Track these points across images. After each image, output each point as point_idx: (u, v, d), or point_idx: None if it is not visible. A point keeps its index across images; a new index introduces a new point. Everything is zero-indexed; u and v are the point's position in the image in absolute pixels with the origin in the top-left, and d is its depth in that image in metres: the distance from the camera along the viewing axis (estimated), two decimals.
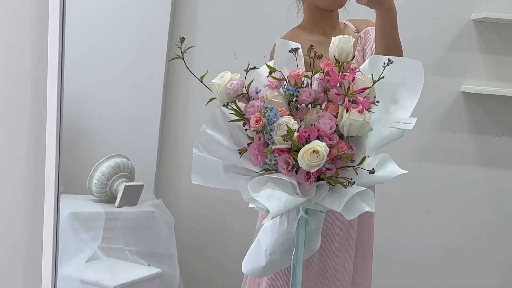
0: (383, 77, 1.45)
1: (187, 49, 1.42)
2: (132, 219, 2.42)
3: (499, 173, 2.63)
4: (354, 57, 1.49)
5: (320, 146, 1.36)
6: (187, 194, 2.56)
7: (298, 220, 1.53)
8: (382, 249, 2.20)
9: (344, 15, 1.92)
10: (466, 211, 2.64)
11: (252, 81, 1.46)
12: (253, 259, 1.67)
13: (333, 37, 1.49)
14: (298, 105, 1.47)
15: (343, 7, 1.88)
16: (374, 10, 1.75)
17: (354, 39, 1.49)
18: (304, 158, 1.36)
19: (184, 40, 1.42)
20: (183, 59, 1.43)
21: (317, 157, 1.36)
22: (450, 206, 2.64)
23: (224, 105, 1.47)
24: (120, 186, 2.35)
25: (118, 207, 2.36)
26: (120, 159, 2.37)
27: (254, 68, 1.45)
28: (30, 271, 1.95)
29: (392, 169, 1.50)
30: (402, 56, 1.78)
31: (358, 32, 1.91)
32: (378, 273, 2.09)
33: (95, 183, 2.34)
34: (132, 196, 2.39)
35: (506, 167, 2.63)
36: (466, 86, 2.55)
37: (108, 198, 2.37)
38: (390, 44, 1.75)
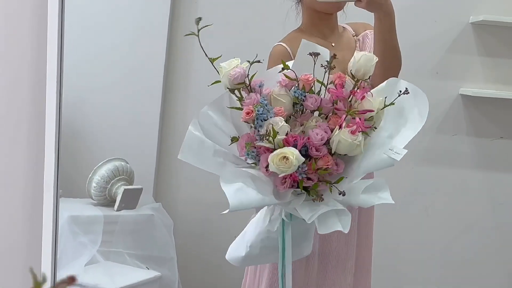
0: (393, 103, 1.41)
1: (204, 27, 1.43)
2: (131, 223, 2.42)
3: (498, 175, 2.64)
4: (370, 77, 1.46)
5: (291, 153, 1.34)
6: (186, 197, 2.56)
7: (282, 223, 1.53)
8: (381, 251, 2.20)
9: (343, 18, 1.92)
10: (464, 214, 2.64)
11: (256, 73, 1.45)
12: (236, 248, 1.68)
13: (356, 52, 1.47)
14: (303, 110, 1.46)
15: (342, 10, 1.88)
16: (373, 14, 1.75)
17: (376, 59, 1.45)
18: (274, 161, 1.35)
19: (201, 20, 1.42)
20: (198, 36, 1.43)
21: (286, 163, 1.34)
22: (448, 209, 2.64)
23: (230, 91, 1.47)
24: (119, 190, 2.35)
25: (117, 210, 2.36)
26: (119, 162, 2.37)
27: (259, 61, 1.44)
28: (29, 274, 1.95)
29: (381, 196, 1.45)
30: (400, 59, 1.78)
31: (356, 35, 1.92)
32: (377, 276, 2.09)
33: (94, 187, 2.34)
34: (131, 199, 2.39)
35: (505, 170, 2.64)
36: (464, 89, 2.56)
37: (107, 201, 2.37)
38: (388, 47, 1.75)
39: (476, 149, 2.62)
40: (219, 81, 1.48)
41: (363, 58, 1.44)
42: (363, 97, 1.41)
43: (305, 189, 1.41)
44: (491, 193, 2.64)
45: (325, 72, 1.43)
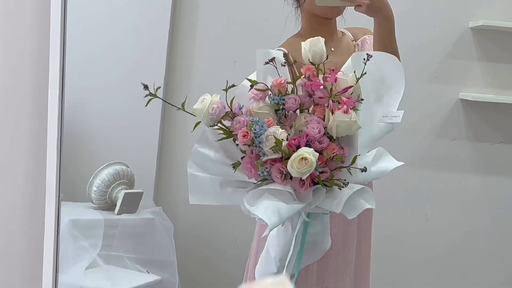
0: (365, 73, 1.45)
1: (156, 90, 1.46)
2: (131, 227, 2.43)
3: (497, 180, 2.64)
4: (327, 56, 1.48)
5: (308, 152, 1.36)
6: (186, 201, 2.55)
7: (304, 224, 1.54)
8: (380, 255, 2.20)
9: (342, 23, 1.93)
10: (464, 218, 2.65)
11: (233, 98, 1.46)
12: (265, 266, 1.67)
13: (302, 43, 1.50)
14: (286, 113, 1.47)
15: (341, 15, 1.89)
16: (372, 18, 1.76)
17: (323, 39, 1.49)
18: (293, 166, 1.36)
19: (147, 87, 1.47)
20: (157, 97, 1.47)
21: (306, 163, 1.35)
22: (448, 213, 2.64)
23: (212, 127, 1.47)
24: (120, 194, 2.36)
25: (117, 214, 2.36)
26: (120, 166, 2.37)
27: (233, 86, 1.45)
28: (31, 278, 1.95)
29: (387, 163, 1.50)
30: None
31: (355, 40, 1.92)
32: (376, 280, 2.09)
33: (95, 191, 2.34)
34: (131, 203, 2.39)
35: (504, 174, 2.64)
36: (464, 93, 2.56)
37: (108, 205, 2.37)
38: (387, 51, 1.75)
39: (475, 154, 2.62)
40: (199, 122, 1.48)
41: (312, 43, 1.48)
42: (336, 78, 1.44)
43: (324, 183, 1.43)
44: (490, 198, 2.65)
45: (290, 71, 1.48)
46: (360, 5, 1.70)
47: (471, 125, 2.60)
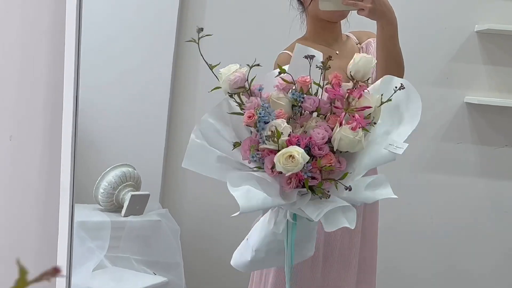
0: (391, 100, 1.45)
1: (204, 36, 1.46)
2: (138, 228, 2.43)
3: (502, 183, 2.64)
4: (369, 78, 1.49)
5: (297, 151, 1.36)
6: (193, 203, 2.57)
7: (287, 224, 1.55)
8: (385, 258, 2.21)
9: (346, 27, 1.94)
10: (469, 222, 2.64)
11: (254, 77, 1.47)
12: (241, 253, 1.69)
13: (356, 54, 1.49)
14: (302, 111, 1.48)
15: (346, 19, 1.90)
16: (375, 22, 1.77)
17: (376, 61, 1.49)
18: (280, 161, 1.36)
19: (202, 30, 1.46)
20: (198, 44, 1.47)
21: (292, 161, 1.35)
22: (453, 217, 2.64)
23: (230, 96, 1.49)
24: (126, 196, 2.36)
25: (124, 216, 2.37)
26: (126, 168, 2.38)
27: (258, 65, 1.45)
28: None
29: (383, 192, 1.47)
30: (403, 66, 1.79)
31: (360, 43, 1.93)
32: (382, 281, 2.10)
33: (102, 193, 2.35)
34: (138, 205, 2.40)
35: (509, 178, 2.64)
36: (469, 97, 2.56)
37: (114, 207, 2.38)
38: (390, 55, 1.76)
39: (481, 157, 2.62)
40: (219, 87, 1.50)
41: (363, 60, 1.47)
42: (361, 95, 1.44)
43: (310, 188, 1.43)
44: (495, 201, 2.64)
45: (321, 73, 1.46)
46: (363, 9, 1.72)
47: (476, 129, 2.60)
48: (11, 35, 1.91)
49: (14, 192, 1.97)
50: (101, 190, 2.35)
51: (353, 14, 1.83)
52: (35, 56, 1.91)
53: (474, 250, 2.66)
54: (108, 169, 2.36)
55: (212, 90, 1.50)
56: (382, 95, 1.45)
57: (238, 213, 1.41)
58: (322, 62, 1.46)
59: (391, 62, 1.76)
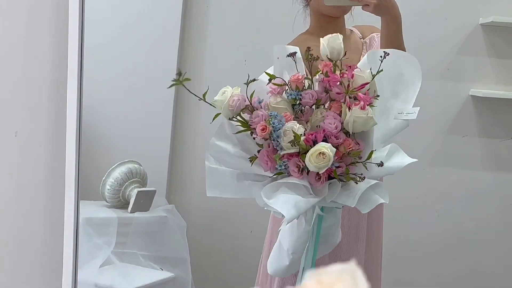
0: (381, 71, 1.47)
1: (184, 80, 1.43)
2: (145, 224, 2.44)
3: (508, 176, 2.63)
4: (345, 53, 1.50)
5: (325, 147, 1.38)
6: (199, 199, 2.58)
7: (316, 218, 1.56)
8: (391, 252, 2.21)
9: (350, 21, 1.94)
10: (475, 215, 2.64)
11: (253, 92, 1.47)
12: (277, 259, 1.68)
13: (321, 39, 1.51)
14: (303, 108, 1.49)
15: (350, 13, 1.90)
16: (380, 17, 1.77)
17: (342, 36, 1.50)
18: (311, 161, 1.38)
19: (181, 73, 1.43)
20: (184, 86, 1.44)
21: (324, 158, 1.37)
22: (459, 210, 2.64)
23: (230, 118, 1.49)
24: (133, 192, 2.37)
25: (131, 212, 2.38)
26: (133, 165, 2.39)
27: (254, 80, 1.46)
28: (50, 275, 1.98)
29: (401, 159, 1.51)
30: None
31: (363, 38, 1.94)
32: (387, 276, 2.10)
33: (108, 189, 2.35)
34: (144, 201, 2.41)
35: None
36: (474, 90, 2.56)
37: (121, 203, 2.39)
38: None
39: (486, 150, 2.62)
40: (219, 114, 1.49)
41: (330, 40, 1.49)
42: (353, 75, 1.46)
43: (339, 178, 1.45)
44: (501, 194, 2.64)
45: (310, 66, 1.48)
46: (368, 5, 1.72)
47: (481, 122, 2.59)
48: (15, 32, 1.91)
49: (20, 188, 1.97)
50: (108, 187, 2.36)
51: (357, 8, 1.83)
52: (40, 52, 1.91)
53: (480, 243, 2.66)
54: (114, 165, 2.36)
55: (213, 120, 1.50)
56: (371, 68, 1.48)
57: (287, 223, 1.45)
58: (310, 55, 1.48)
59: None
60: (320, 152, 1.38)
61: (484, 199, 2.64)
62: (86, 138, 2.22)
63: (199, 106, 2.53)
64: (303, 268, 1.63)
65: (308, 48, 1.48)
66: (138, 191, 2.38)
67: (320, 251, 1.64)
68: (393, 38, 1.77)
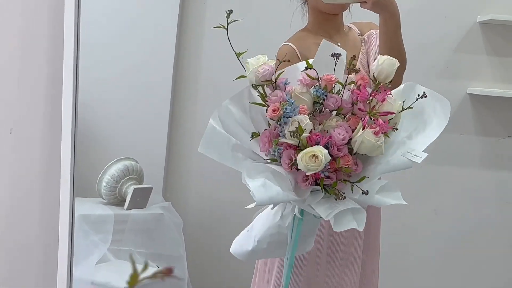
0: (412, 107, 1.44)
1: (233, 21, 1.46)
2: (141, 222, 2.44)
3: (506, 174, 2.64)
4: (392, 80, 1.47)
5: (321, 152, 1.36)
6: (195, 196, 2.58)
7: (293, 218, 1.55)
8: (389, 250, 2.21)
9: (348, 18, 1.93)
10: (472, 213, 2.64)
11: (283, 71, 1.47)
12: (242, 242, 1.68)
13: (379, 55, 1.49)
14: (323, 109, 1.47)
15: (348, 10, 1.90)
16: (378, 14, 1.76)
17: (399, 64, 1.48)
18: (303, 159, 1.37)
19: (231, 12, 1.45)
20: (227, 29, 1.48)
21: (315, 161, 1.36)
22: (457, 208, 2.64)
23: (253, 87, 1.48)
24: (129, 189, 2.37)
25: (127, 209, 2.38)
26: (129, 162, 2.38)
27: (288, 61, 1.46)
28: (46, 272, 1.98)
29: (394, 197, 1.47)
30: (405, 59, 1.79)
31: (362, 35, 1.93)
32: (385, 274, 2.10)
33: (104, 186, 2.35)
34: (141, 198, 2.41)
35: None
36: (472, 88, 2.56)
37: (117, 200, 2.39)
38: (393, 48, 1.76)
39: (484, 148, 2.62)
40: (244, 76, 1.49)
41: (386, 62, 1.46)
42: (384, 99, 1.43)
43: (324, 187, 1.43)
44: (499, 192, 2.65)
45: (348, 74, 1.45)
46: (366, 2, 1.71)
47: (479, 120, 2.59)
48: (11, 30, 1.91)
49: (15, 185, 1.97)
50: (104, 184, 2.35)
51: (355, 5, 1.82)
52: (35, 50, 1.91)
53: (477, 241, 2.66)
54: (111, 162, 2.36)
55: (237, 78, 1.49)
56: (404, 101, 1.45)
57: (253, 204, 1.42)
58: (351, 61, 1.45)
59: (394, 55, 1.73)
60: (314, 155, 1.36)
61: (482, 197, 2.64)
62: (83, 135, 2.22)
63: (196, 104, 2.54)
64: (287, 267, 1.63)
65: (354, 56, 1.45)
66: (135, 188, 2.37)
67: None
68: (392, 35, 1.76)
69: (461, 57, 2.56)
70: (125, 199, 2.38)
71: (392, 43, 1.76)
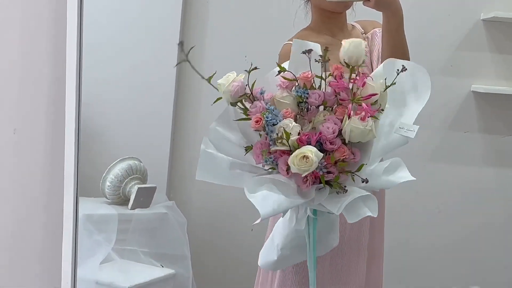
0: (394, 83, 1.43)
1: (190, 50, 1.42)
2: (145, 221, 2.44)
3: (510, 172, 2.63)
4: (364, 61, 1.45)
5: (310, 151, 1.35)
6: (200, 195, 2.57)
7: (308, 219, 1.55)
8: (392, 249, 2.21)
9: (352, 16, 1.93)
10: (476, 211, 2.64)
11: (255, 81, 1.45)
12: (267, 253, 1.69)
13: (343, 40, 1.46)
14: (309, 107, 1.46)
15: (351, 8, 1.90)
16: (381, 12, 1.76)
17: (365, 43, 1.46)
18: (294, 162, 1.36)
19: (183, 44, 1.42)
20: (189, 62, 1.44)
21: (307, 162, 1.35)
22: (460, 206, 2.64)
23: (232, 105, 1.47)
24: (133, 188, 2.37)
25: (131, 209, 2.38)
26: (133, 161, 2.39)
27: (255, 68, 1.44)
28: (49, 272, 1.98)
29: (401, 175, 1.48)
30: (409, 57, 1.78)
31: (365, 33, 1.93)
32: (388, 274, 2.10)
33: (108, 186, 2.35)
34: (145, 198, 2.41)
35: None
36: (476, 85, 2.55)
37: (121, 200, 2.39)
38: (396, 45, 1.76)
39: (488, 146, 2.61)
40: (221, 98, 1.48)
41: (352, 44, 1.44)
42: (364, 83, 1.41)
43: (327, 183, 1.42)
44: (503, 190, 2.64)
45: (321, 67, 1.44)
46: (369, 0, 1.71)
47: (483, 117, 2.59)
48: (13, 30, 1.91)
49: (19, 185, 1.97)
50: (108, 183, 2.36)
51: (358, 3, 1.82)
52: (38, 50, 1.91)
53: (481, 239, 2.66)
54: (115, 162, 2.36)
55: (214, 102, 1.49)
56: (385, 79, 1.44)
57: (259, 220, 1.42)
58: (321, 56, 1.44)
59: (397, 53, 1.75)
60: (303, 156, 1.35)
61: (485, 195, 2.64)
62: (87, 135, 2.22)
63: (199, 103, 2.53)
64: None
65: (326, 48, 1.43)
66: (139, 188, 2.38)
67: (317, 250, 1.63)
68: (395, 33, 1.76)
69: (465, 55, 2.55)
70: (129, 199, 2.38)
71: (395, 41, 1.76)
